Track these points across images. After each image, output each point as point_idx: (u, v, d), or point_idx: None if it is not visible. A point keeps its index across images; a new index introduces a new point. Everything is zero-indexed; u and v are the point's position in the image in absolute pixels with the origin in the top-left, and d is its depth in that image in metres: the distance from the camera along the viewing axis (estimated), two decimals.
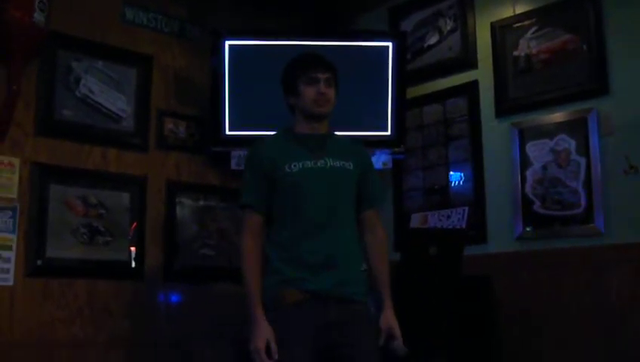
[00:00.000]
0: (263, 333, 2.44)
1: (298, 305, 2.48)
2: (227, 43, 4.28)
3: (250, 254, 2.57)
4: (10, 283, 3.68)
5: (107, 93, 4.22)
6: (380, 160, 4.37)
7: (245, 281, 2.54)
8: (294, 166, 2.59)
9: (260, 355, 2.42)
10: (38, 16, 3.68)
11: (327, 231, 2.57)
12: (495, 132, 4.25)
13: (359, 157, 2.77)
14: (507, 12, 4.27)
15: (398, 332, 2.64)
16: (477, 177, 4.30)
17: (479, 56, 4.40)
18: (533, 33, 4.12)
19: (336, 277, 2.54)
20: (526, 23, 4.17)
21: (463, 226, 4.28)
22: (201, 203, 4.54)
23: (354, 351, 2.50)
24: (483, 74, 4.36)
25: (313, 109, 2.66)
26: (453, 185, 4.43)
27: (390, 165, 4.43)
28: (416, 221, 4.54)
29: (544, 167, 3.99)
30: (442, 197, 4.47)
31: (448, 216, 4.39)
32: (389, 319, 2.65)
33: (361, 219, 2.74)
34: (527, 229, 4.00)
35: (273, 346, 2.42)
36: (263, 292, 2.53)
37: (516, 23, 4.21)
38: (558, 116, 3.97)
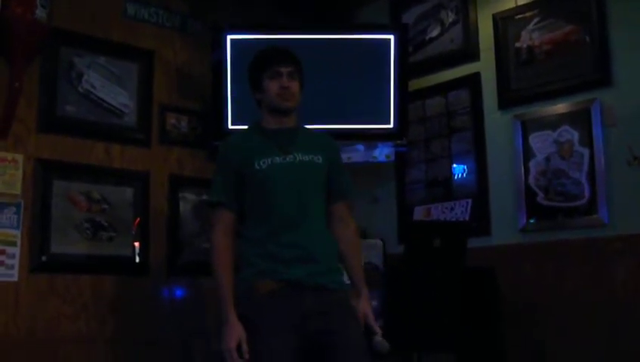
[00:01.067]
0: (235, 332, 2.45)
1: (272, 294, 2.49)
2: (228, 37, 4.27)
3: (221, 251, 2.57)
4: (15, 279, 3.68)
5: (109, 88, 4.22)
6: (383, 153, 4.37)
7: (217, 279, 2.55)
8: (263, 162, 2.60)
9: (231, 355, 2.43)
10: (40, 13, 3.68)
11: (301, 226, 2.58)
12: (498, 124, 4.25)
13: (328, 150, 2.77)
14: (509, 3, 4.26)
15: (372, 320, 2.65)
16: (480, 169, 4.30)
17: (481, 48, 4.39)
18: (536, 24, 4.11)
19: (311, 269, 2.54)
20: (528, 14, 4.16)
21: (467, 218, 4.28)
22: (204, 197, 4.54)
23: (339, 337, 2.50)
24: (485, 66, 4.35)
25: (278, 104, 2.67)
26: (456, 177, 4.43)
27: (393, 158, 4.43)
28: (419, 214, 4.54)
29: (547, 159, 3.98)
30: (445, 189, 4.47)
31: (451, 209, 4.39)
32: (365, 308, 2.67)
33: (332, 212, 2.75)
34: (531, 221, 4.00)
35: (244, 346, 2.43)
36: (236, 285, 2.55)
37: (518, 14, 4.20)
38: (560, 107, 3.96)
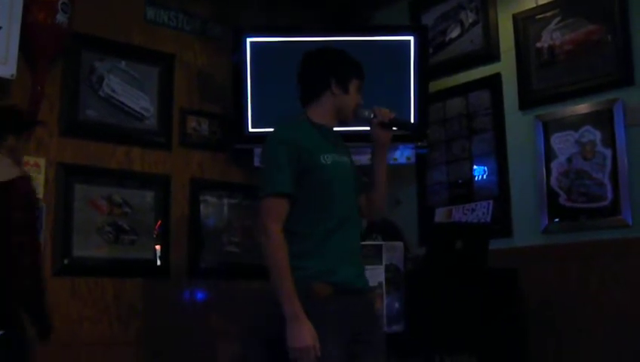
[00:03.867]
0: (310, 330, 2.33)
1: (328, 298, 2.44)
2: (248, 40, 4.28)
3: (282, 246, 2.43)
4: None
5: (130, 92, 4.24)
6: (404, 154, 4.36)
7: (278, 274, 2.40)
8: (327, 157, 2.53)
9: (309, 353, 2.31)
10: (61, 18, 3.71)
11: (350, 226, 2.56)
12: (519, 124, 4.22)
13: (350, 153, 2.77)
14: (529, 3, 4.24)
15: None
16: (501, 170, 4.27)
17: (502, 48, 4.37)
18: (557, 24, 4.08)
19: (356, 271, 2.55)
20: (549, 14, 4.13)
21: (488, 220, 4.25)
22: (225, 200, 4.55)
23: (367, 338, 2.50)
24: (506, 66, 4.33)
25: (349, 115, 2.66)
26: (477, 178, 4.41)
27: (413, 160, 4.41)
28: (440, 215, 4.52)
29: (569, 160, 3.95)
30: (466, 191, 4.45)
31: (473, 210, 4.37)
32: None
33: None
34: (553, 222, 3.97)
35: (317, 344, 2.33)
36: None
37: (539, 14, 4.17)
38: (582, 107, 3.93)
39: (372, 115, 2.62)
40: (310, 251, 2.48)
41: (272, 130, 2.63)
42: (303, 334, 2.33)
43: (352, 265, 2.54)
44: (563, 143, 3.99)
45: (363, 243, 2.84)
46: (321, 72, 2.65)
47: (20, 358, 2.84)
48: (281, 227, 2.45)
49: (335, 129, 2.72)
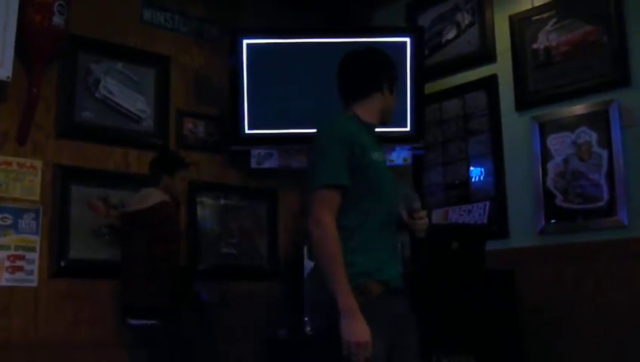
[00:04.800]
0: (366, 326, 2.27)
1: (380, 297, 2.40)
2: (244, 42, 4.28)
3: (335, 237, 2.35)
4: (34, 284, 3.71)
5: (126, 94, 4.24)
6: (400, 156, 4.36)
7: (332, 267, 2.32)
8: (377, 155, 2.52)
9: (366, 348, 2.25)
10: (58, 20, 3.71)
11: (393, 226, 2.56)
12: (515, 125, 4.22)
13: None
14: (526, 4, 4.24)
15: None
16: (498, 172, 4.27)
17: (498, 49, 4.37)
18: (553, 25, 4.09)
19: (398, 271, 2.53)
20: (545, 15, 4.13)
21: (485, 221, 4.26)
22: (222, 202, 4.55)
23: (408, 340, 2.49)
24: (502, 67, 4.33)
25: (388, 117, 2.67)
26: (473, 180, 4.41)
27: (410, 161, 4.42)
28: (437, 216, 4.52)
29: (565, 161, 3.95)
30: (463, 192, 4.45)
31: (469, 211, 4.37)
32: None
33: None
34: (550, 223, 3.97)
35: (371, 341, 2.27)
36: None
37: (535, 15, 4.18)
38: (579, 108, 3.94)
39: (417, 206, 2.57)
40: (359, 247, 2.43)
41: (324, 124, 2.57)
42: (360, 329, 2.27)
43: (395, 264, 2.53)
44: (559, 144, 3.99)
45: None
46: (375, 71, 2.65)
47: (172, 346, 3.66)
48: (335, 219, 2.39)
49: None
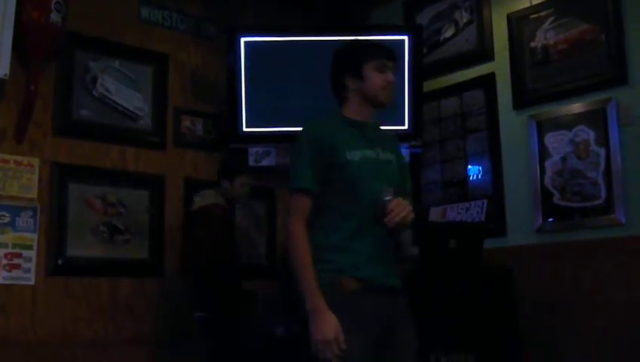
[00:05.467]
0: (332, 322, 2.31)
1: (355, 293, 2.41)
2: (242, 40, 4.27)
3: (303, 241, 2.42)
4: (32, 282, 3.71)
5: (124, 92, 4.24)
6: None
7: (300, 269, 2.40)
8: (354, 154, 2.50)
9: (332, 346, 2.28)
10: (55, 17, 3.70)
11: (380, 223, 2.54)
12: (513, 124, 4.22)
13: (398, 150, 2.73)
14: (523, 3, 4.24)
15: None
16: (495, 170, 4.28)
17: (496, 48, 4.38)
18: (551, 24, 4.09)
19: (387, 269, 2.51)
20: (543, 13, 4.13)
21: (482, 219, 4.26)
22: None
23: (398, 341, 2.47)
24: (500, 66, 4.33)
25: (381, 97, 2.58)
26: (471, 178, 4.41)
27: (408, 159, 4.41)
28: (435, 214, 4.52)
29: (563, 159, 3.96)
30: (461, 190, 4.46)
31: (467, 209, 4.37)
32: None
33: None
34: (547, 221, 3.97)
35: (341, 336, 2.30)
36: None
37: (533, 13, 4.18)
38: (576, 107, 3.94)
39: (387, 198, 2.45)
40: (337, 245, 2.46)
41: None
42: (325, 327, 2.31)
43: (381, 263, 2.50)
44: (557, 142, 4.00)
45: None
46: (335, 73, 2.64)
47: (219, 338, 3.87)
48: (304, 221, 2.46)
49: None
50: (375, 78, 2.57)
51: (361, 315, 2.38)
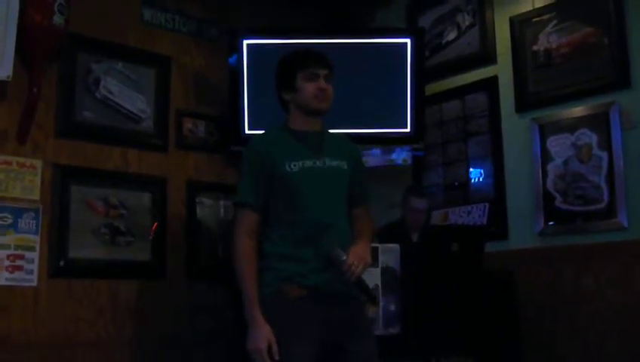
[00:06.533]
0: (264, 333, 2.40)
1: (300, 300, 2.46)
2: (245, 42, 4.28)
3: (246, 253, 2.51)
4: (34, 283, 3.70)
5: (126, 94, 4.23)
6: (400, 156, 4.36)
7: (242, 281, 2.50)
8: (294, 165, 2.55)
9: (261, 355, 2.38)
10: (58, 19, 3.70)
11: (329, 232, 2.53)
12: (515, 127, 4.23)
13: (352, 155, 2.73)
14: (526, 6, 4.25)
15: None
16: (497, 173, 4.28)
17: (498, 51, 4.38)
18: (553, 27, 4.09)
19: (333, 275, 2.51)
20: (545, 16, 4.14)
21: (484, 222, 4.26)
22: (222, 202, 4.55)
23: (353, 347, 2.48)
24: (502, 69, 4.33)
25: (314, 105, 2.61)
26: (473, 181, 4.41)
27: (410, 162, 4.42)
28: (436, 218, 4.52)
29: (565, 162, 3.96)
30: (463, 193, 4.46)
31: (469, 213, 4.37)
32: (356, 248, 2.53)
33: (352, 215, 2.70)
34: (549, 225, 3.97)
35: (274, 346, 2.38)
36: (261, 289, 2.49)
37: (535, 17, 4.18)
38: (579, 110, 3.94)
39: (343, 258, 2.47)
40: (284, 254, 2.52)
41: None
42: (257, 337, 2.40)
43: (328, 270, 2.52)
44: (559, 146, 4.00)
45: None
46: (276, 90, 2.73)
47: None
48: (248, 234, 2.54)
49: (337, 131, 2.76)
50: (307, 88, 2.62)
51: (306, 322, 2.44)
